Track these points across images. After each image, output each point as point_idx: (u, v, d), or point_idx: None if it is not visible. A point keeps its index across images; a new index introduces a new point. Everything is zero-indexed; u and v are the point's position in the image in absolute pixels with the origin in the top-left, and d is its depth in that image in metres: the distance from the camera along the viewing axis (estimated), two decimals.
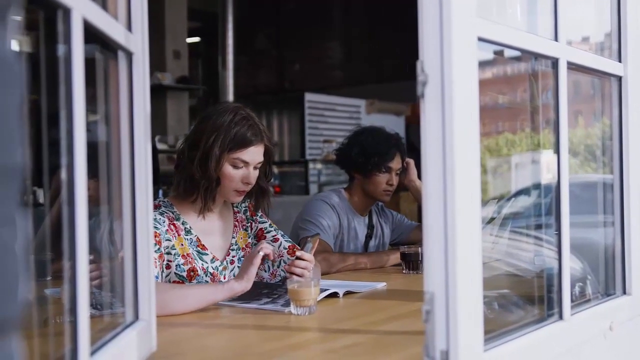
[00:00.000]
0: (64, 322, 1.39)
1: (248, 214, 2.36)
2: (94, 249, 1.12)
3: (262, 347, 1.54)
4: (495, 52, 1.43)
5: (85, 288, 1.00)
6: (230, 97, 9.01)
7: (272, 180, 2.36)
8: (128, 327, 1.30)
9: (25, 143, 0.58)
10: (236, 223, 2.32)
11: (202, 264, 2.16)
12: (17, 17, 0.59)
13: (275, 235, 2.34)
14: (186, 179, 2.15)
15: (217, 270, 2.20)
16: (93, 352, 1.07)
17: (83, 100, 1.00)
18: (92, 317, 1.05)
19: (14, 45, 0.58)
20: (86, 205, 1.00)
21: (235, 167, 2.14)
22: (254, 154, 2.16)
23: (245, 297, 2.02)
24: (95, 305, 1.29)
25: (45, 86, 1.04)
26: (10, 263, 0.54)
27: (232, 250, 2.28)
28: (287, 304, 1.88)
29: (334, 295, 2.07)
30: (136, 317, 1.34)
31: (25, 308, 0.59)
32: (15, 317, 0.55)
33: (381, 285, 2.31)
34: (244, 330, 1.72)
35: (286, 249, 2.30)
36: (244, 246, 2.31)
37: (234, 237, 2.29)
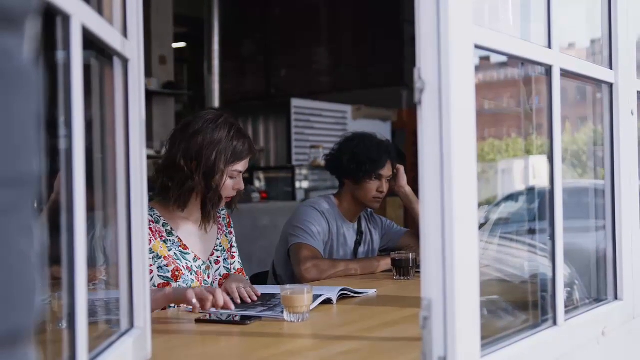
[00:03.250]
0: (58, 330, 1.38)
1: (226, 222, 2.45)
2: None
3: (257, 355, 1.53)
4: (482, 58, 1.44)
5: (84, 296, 0.99)
6: (216, 102, 8.99)
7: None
8: (124, 335, 1.29)
9: (41, 152, 0.59)
10: (220, 226, 2.41)
11: (186, 263, 2.22)
12: (33, 26, 0.59)
13: (235, 253, 2.45)
14: (186, 191, 2.20)
15: (201, 269, 2.26)
16: None
17: (82, 106, 0.99)
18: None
19: (31, 53, 0.58)
20: (84, 212, 0.99)
21: (231, 177, 2.24)
22: (247, 163, 2.29)
23: (241, 306, 2.01)
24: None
25: (43, 92, 1.03)
26: (28, 272, 0.54)
27: (217, 250, 2.36)
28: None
29: (328, 301, 2.07)
30: (131, 325, 1.33)
31: (40, 316, 0.59)
32: (32, 326, 0.55)
33: (372, 292, 2.31)
34: (238, 337, 1.71)
35: (235, 270, 2.39)
36: (227, 248, 2.41)
37: (218, 239, 2.38)
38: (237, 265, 2.42)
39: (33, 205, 0.57)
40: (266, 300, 2.10)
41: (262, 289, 2.27)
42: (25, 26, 0.57)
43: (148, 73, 7.38)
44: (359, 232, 3.09)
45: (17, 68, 0.56)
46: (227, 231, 2.43)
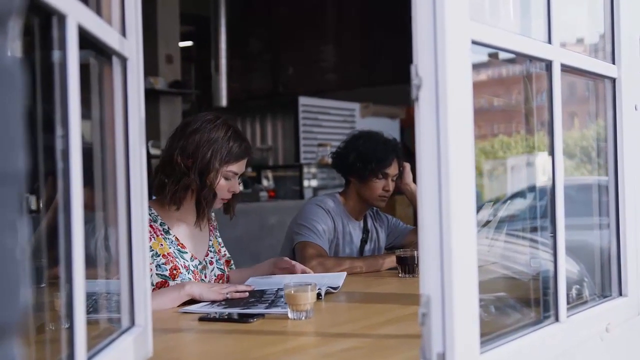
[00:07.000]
0: (58, 329, 1.38)
1: (215, 224, 2.49)
2: (88, 255, 1.12)
3: (260, 352, 1.53)
4: (490, 55, 1.44)
5: (82, 294, 1.00)
6: (224, 101, 9.00)
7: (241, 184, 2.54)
8: (124, 332, 1.30)
9: (26, 149, 0.59)
10: (211, 228, 2.45)
11: (184, 262, 2.25)
12: (17, 24, 0.59)
13: (222, 247, 2.47)
14: (181, 189, 2.22)
15: (197, 269, 2.29)
16: (89, 358, 1.07)
17: (78, 106, 0.99)
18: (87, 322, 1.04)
19: (14, 52, 0.58)
20: (82, 212, 1.00)
21: (226, 178, 2.27)
22: (243, 166, 2.31)
23: (238, 304, 2.00)
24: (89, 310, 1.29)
25: (39, 92, 1.03)
26: (12, 268, 0.55)
27: (211, 251, 2.39)
28: (286, 306, 1.87)
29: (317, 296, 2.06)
30: (132, 322, 1.34)
31: (26, 313, 0.59)
32: (17, 322, 0.56)
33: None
34: (240, 335, 1.71)
35: (215, 276, 2.38)
36: (217, 250, 2.44)
37: (210, 240, 2.41)
38: (217, 272, 2.40)
39: (19, 202, 0.58)
40: (258, 297, 2.09)
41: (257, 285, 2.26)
42: (9, 25, 0.57)
43: (154, 72, 7.39)
44: (365, 230, 3.09)
45: (1, 67, 0.56)
46: (216, 233, 2.48)
